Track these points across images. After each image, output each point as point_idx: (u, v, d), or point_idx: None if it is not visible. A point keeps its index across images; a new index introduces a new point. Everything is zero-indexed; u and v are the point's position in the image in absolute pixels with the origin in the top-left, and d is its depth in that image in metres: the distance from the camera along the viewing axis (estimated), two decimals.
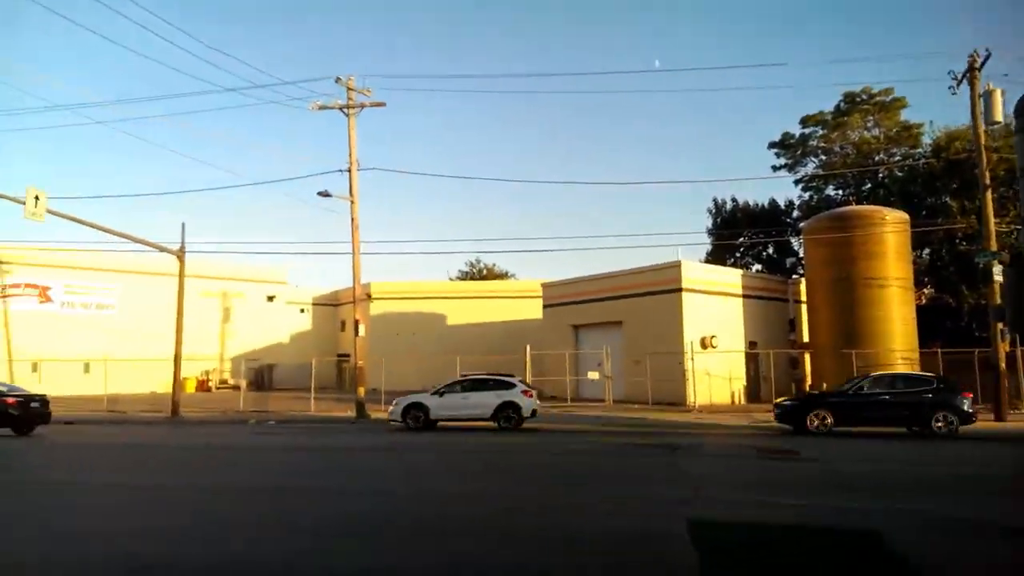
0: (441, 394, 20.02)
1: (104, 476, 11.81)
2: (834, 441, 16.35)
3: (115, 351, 32.08)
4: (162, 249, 27.42)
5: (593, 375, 27.21)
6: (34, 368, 33.90)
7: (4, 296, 37.71)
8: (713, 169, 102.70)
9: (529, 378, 26.40)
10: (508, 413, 19.36)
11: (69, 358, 33.95)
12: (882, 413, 17.58)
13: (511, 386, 19.88)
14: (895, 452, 15.12)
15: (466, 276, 65.10)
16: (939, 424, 16.81)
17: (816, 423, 17.45)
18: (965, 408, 16.98)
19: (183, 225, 26.93)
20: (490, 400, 19.56)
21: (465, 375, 21.88)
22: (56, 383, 31.64)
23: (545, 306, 35.60)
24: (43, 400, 19.76)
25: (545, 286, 36.21)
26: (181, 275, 26.66)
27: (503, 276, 64.24)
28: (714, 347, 28.18)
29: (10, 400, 18.85)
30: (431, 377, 38.10)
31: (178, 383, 26.52)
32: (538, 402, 20.38)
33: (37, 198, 22.53)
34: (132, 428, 22.41)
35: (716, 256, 43.05)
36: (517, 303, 41.97)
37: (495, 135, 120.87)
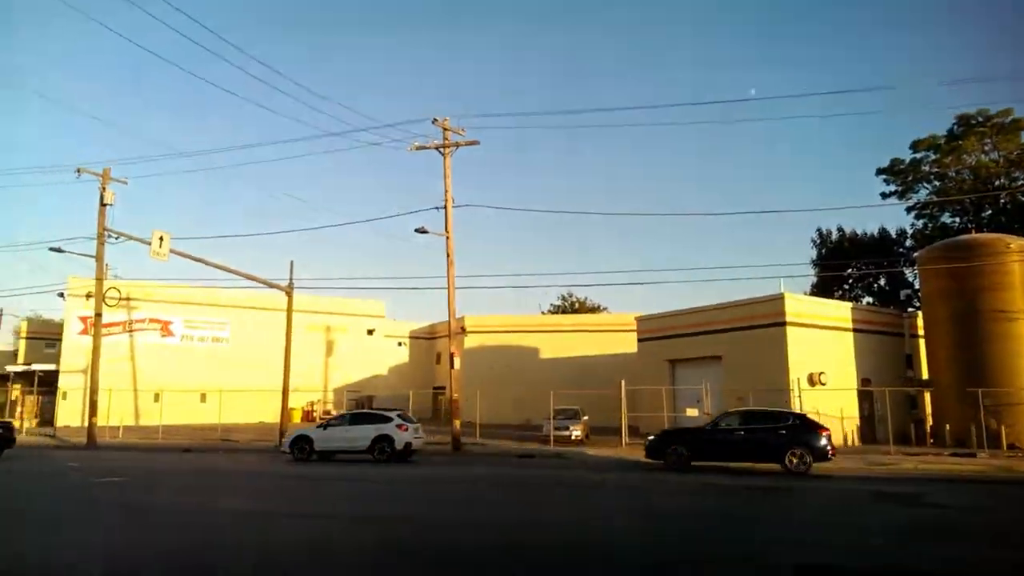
0: (325, 427, 22.09)
1: (230, 502, 12.41)
2: (676, 477, 16.48)
3: (228, 382, 33.97)
4: (272, 285, 29.03)
5: (692, 412, 26.30)
6: (156, 398, 36.31)
7: (131, 330, 40.83)
8: (813, 198, 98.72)
9: (624, 413, 25.91)
10: (382, 446, 20.64)
11: (187, 388, 36.21)
12: (736, 449, 17.94)
13: (387, 420, 21.21)
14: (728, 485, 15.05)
15: (559, 310, 65.07)
16: (793, 460, 16.92)
17: (673, 458, 17.94)
18: (821, 445, 17.08)
19: (291, 263, 28.45)
20: (368, 433, 20.90)
21: (352, 411, 24.34)
22: (176, 412, 33.76)
23: (640, 340, 34.94)
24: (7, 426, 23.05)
25: (640, 320, 35.59)
26: (289, 310, 28.04)
27: (596, 309, 63.79)
28: (823, 384, 26.69)
29: None
30: (525, 410, 38.08)
31: (286, 414, 27.71)
32: (418, 436, 21.63)
33: (161, 239, 24.44)
34: (245, 456, 23.53)
35: (822, 288, 41.02)
36: (611, 337, 41.43)
37: (587, 168, 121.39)
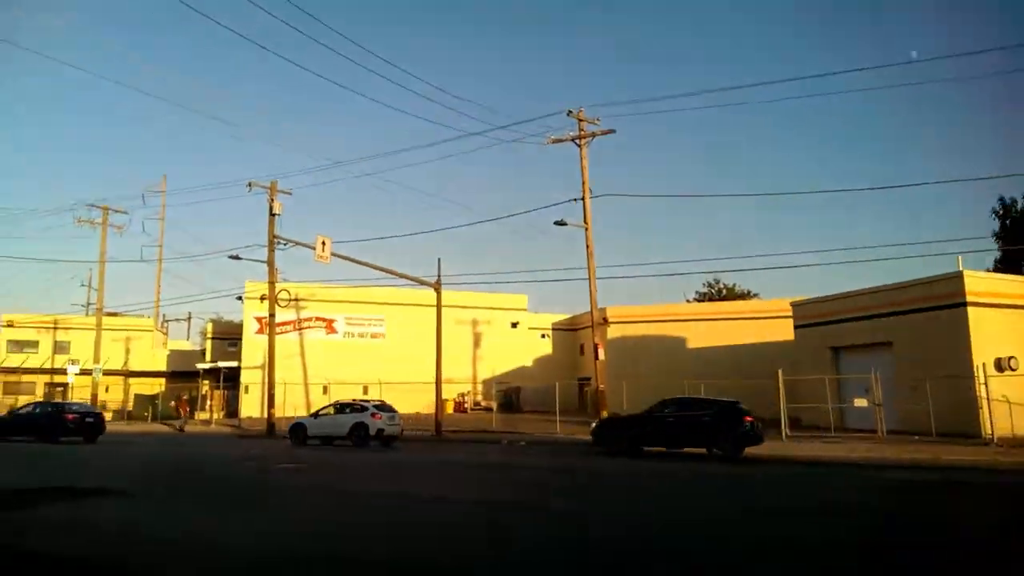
0: (316, 416, 25.48)
1: (406, 488, 13.17)
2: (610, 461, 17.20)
3: (386, 375, 36.03)
4: (422, 282, 30.41)
5: (860, 402, 24.40)
6: (324, 391, 39.25)
7: (300, 329, 44.43)
8: (988, 166, 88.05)
9: (783, 405, 24.51)
10: (359, 432, 23.51)
11: (351, 381, 38.82)
12: (670, 433, 18.84)
13: (364, 410, 24.18)
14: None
15: (705, 297, 62.87)
16: (723, 445, 17.79)
17: (615, 444, 19.05)
18: (746, 431, 17.77)
19: (439, 260, 29.72)
20: (348, 421, 24.04)
21: (338, 402, 26.16)
22: None
23: (797, 327, 32.92)
24: (98, 415, 27.10)
25: (796, 305, 33.53)
26: (439, 305, 29.23)
27: (746, 296, 60.97)
28: (1012, 370, 23.80)
29: (69, 416, 25.54)
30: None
31: (440, 404, 28.96)
32: (393, 424, 24.26)
33: (324, 243, 26.28)
34: (408, 445, 24.86)
35: (1007, 263, 36.55)
36: (763, 324, 39.39)
37: (730, 150, 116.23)
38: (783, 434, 23.67)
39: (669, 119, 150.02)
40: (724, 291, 62.85)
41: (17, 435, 25.56)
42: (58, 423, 25.17)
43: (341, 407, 25.32)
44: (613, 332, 43.50)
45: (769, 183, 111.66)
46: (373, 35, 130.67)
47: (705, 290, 64.18)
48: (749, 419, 18.21)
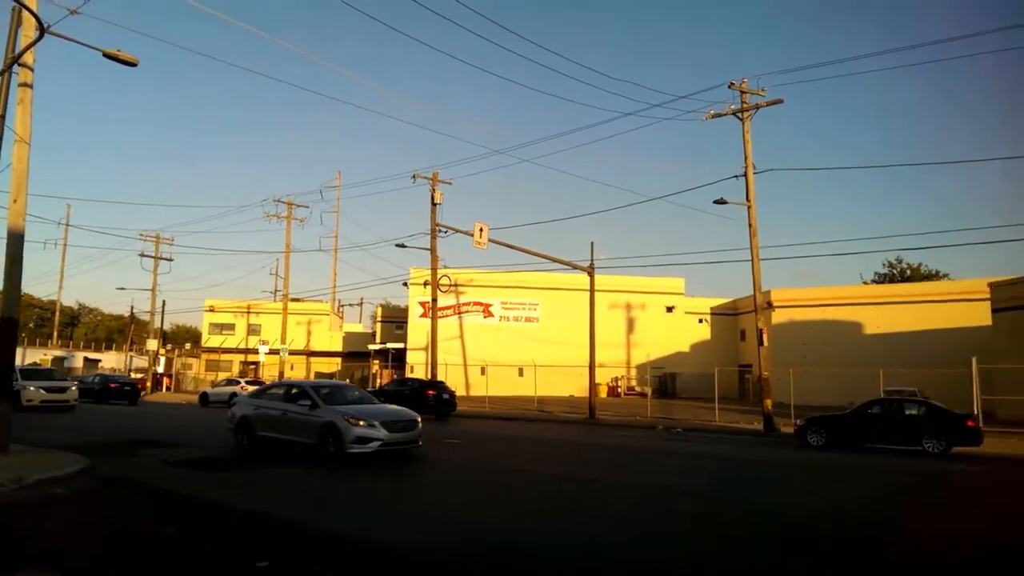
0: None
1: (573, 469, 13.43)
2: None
3: (540, 358, 36.61)
4: (575, 266, 30.49)
5: None
6: (482, 372, 40.63)
7: (459, 313, 46.31)
8: None
9: (977, 396, 21.91)
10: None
11: (507, 363, 39.90)
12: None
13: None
14: None
15: (884, 279, 57.59)
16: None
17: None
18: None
19: (592, 244, 29.57)
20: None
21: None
22: (498, 384, 37.44)
23: (995, 310, 29.25)
24: (133, 383, 35.65)
25: (994, 286, 29.79)
26: (592, 289, 29.18)
27: (933, 276, 55.15)
28: None
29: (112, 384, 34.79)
30: (849, 392, 34.57)
31: (593, 388, 28.96)
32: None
33: (481, 230, 27.08)
34: (562, 427, 25.18)
35: None
36: (955, 307, 35.46)
37: (911, 116, 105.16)
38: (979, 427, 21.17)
39: (842, 85, 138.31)
40: (908, 271, 57.22)
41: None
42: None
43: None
44: (778, 317, 41.16)
45: (957, 149, 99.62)
46: (524, 21, 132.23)
47: (885, 271, 58.80)
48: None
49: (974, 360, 22.14)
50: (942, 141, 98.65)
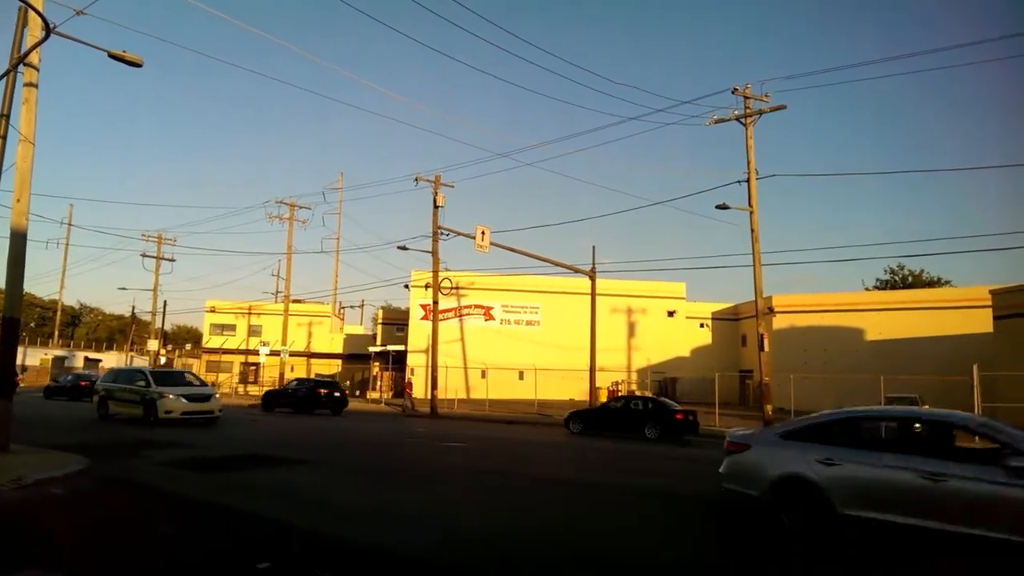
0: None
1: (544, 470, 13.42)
2: None
3: (541, 361, 36.63)
4: (576, 270, 30.49)
5: None
6: (482, 375, 40.64)
7: (460, 315, 46.31)
8: None
9: (978, 403, 21.92)
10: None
11: (507, 367, 39.91)
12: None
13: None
14: None
15: (886, 285, 57.58)
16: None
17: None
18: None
19: (593, 248, 29.61)
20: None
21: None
22: (498, 387, 37.44)
23: (997, 317, 29.22)
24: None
25: (996, 293, 29.76)
26: (593, 293, 29.18)
27: (935, 283, 55.11)
28: None
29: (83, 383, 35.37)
30: (849, 397, 34.55)
31: (594, 392, 28.96)
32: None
33: (483, 233, 27.09)
34: (563, 432, 25.15)
35: None
36: (956, 314, 35.45)
37: (910, 123, 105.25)
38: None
39: (846, 90, 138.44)
40: (910, 278, 57.19)
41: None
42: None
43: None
44: (779, 322, 41.15)
45: (961, 155, 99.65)
46: (526, 24, 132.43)
47: (887, 277, 58.80)
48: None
49: (975, 367, 22.14)
50: (945, 147, 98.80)
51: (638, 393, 43.41)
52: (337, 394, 30.89)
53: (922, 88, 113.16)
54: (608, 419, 23.13)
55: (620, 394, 44.69)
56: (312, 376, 50.89)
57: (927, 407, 25.00)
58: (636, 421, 22.16)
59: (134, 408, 20.15)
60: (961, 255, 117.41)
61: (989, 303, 30.02)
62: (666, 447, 19.21)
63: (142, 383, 20.37)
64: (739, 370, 45.22)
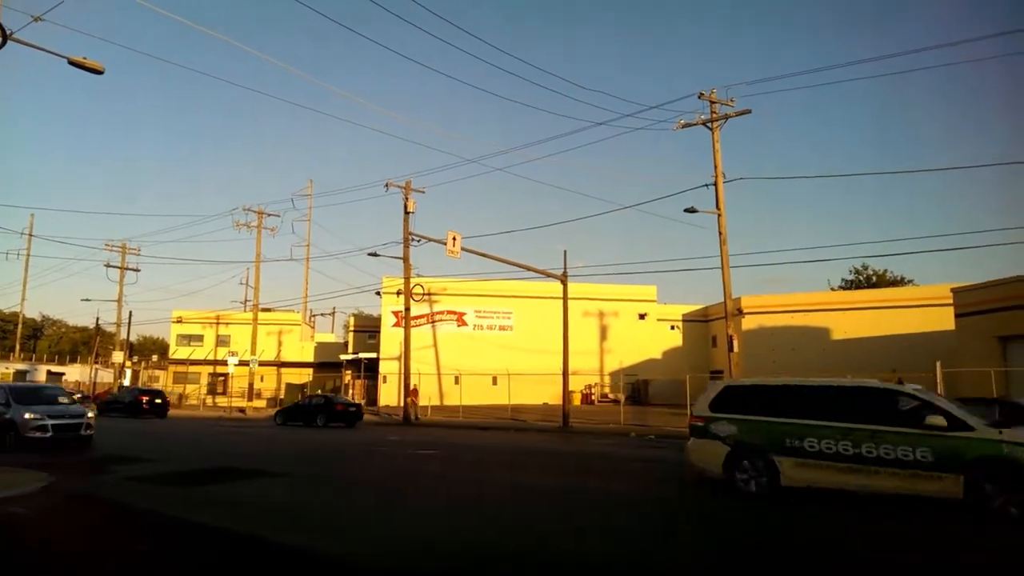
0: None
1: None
2: None
3: (514, 366, 36.61)
4: (548, 274, 30.55)
5: None
6: (456, 381, 40.52)
7: (433, 322, 46.11)
8: None
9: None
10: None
11: (481, 372, 39.82)
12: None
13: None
14: None
15: (851, 285, 58.72)
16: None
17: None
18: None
19: (564, 252, 29.69)
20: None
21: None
22: (472, 393, 37.34)
23: (958, 315, 29.99)
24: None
25: (957, 291, 30.56)
26: (565, 297, 29.25)
27: (898, 282, 56.37)
28: None
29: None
30: None
31: (567, 396, 29.00)
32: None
33: (455, 239, 27.02)
34: (538, 436, 25.16)
35: None
36: (919, 313, 36.30)
37: (883, 126, 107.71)
38: None
39: (811, 96, 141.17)
40: (874, 278, 58.41)
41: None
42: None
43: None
44: (748, 323, 41.70)
45: (924, 157, 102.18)
46: (496, 30, 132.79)
47: (852, 277, 59.96)
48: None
49: (938, 364, 22.64)
50: (910, 148, 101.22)
51: (611, 396, 43.82)
52: (159, 400, 35.90)
53: (887, 89, 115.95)
54: (301, 413, 30.11)
55: (593, 397, 45.17)
56: (284, 387, 50.37)
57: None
58: (313, 412, 29.34)
59: None
60: (923, 255, 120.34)
61: (951, 301, 30.79)
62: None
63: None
64: (710, 371, 45.66)
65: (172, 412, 37.56)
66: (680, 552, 7.12)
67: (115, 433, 22.23)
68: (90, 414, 17.89)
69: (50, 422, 16.47)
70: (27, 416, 16.36)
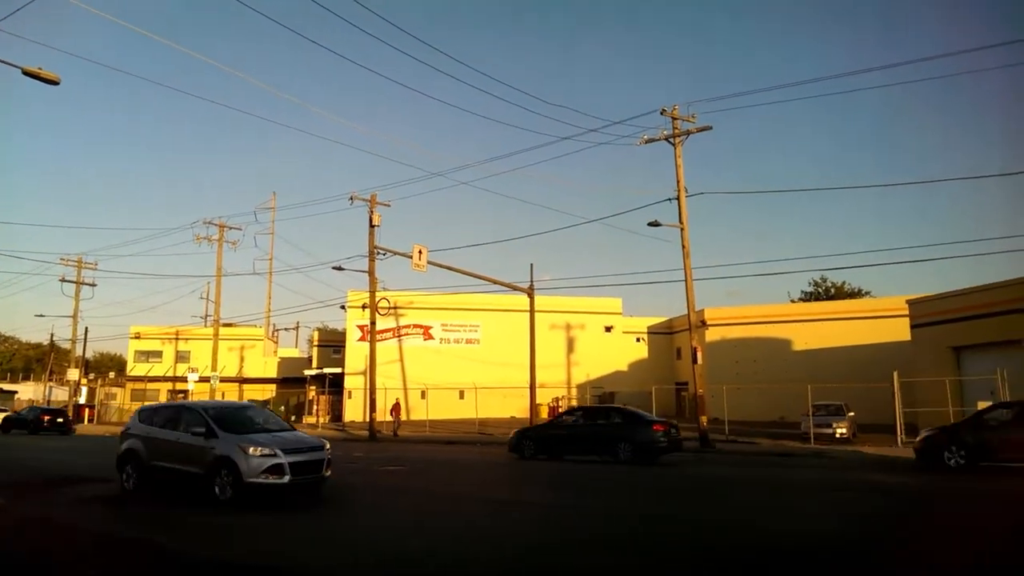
0: None
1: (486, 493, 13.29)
2: None
3: (481, 380, 36.49)
4: (514, 288, 30.62)
5: (984, 404, 22.48)
6: (422, 395, 40.21)
7: (399, 336, 45.74)
8: None
9: (899, 408, 23.01)
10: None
11: (447, 386, 39.59)
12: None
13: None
14: None
15: (811, 297, 59.94)
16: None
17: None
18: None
19: (531, 266, 30.10)
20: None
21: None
22: (439, 407, 37.12)
23: (914, 326, 30.77)
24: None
25: (912, 303, 31.37)
26: (532, 310, 29.33)
27: (856, 294, 57.70)
28: None
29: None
30: (777, 407, 35.70)
31: (535, 409, 29.00)
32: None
33: (420, 252, 26.93)
34: (494, 449, 25.02)
35: None
36: (877, 324, 37.17)
37: (840, 142, 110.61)
38: (899, 440, 22.31)
39: (770, 112, 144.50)
40: (832, 290, 59.71)
41: None
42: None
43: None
44: (712, 335, 42.24)
45: (883, 173, 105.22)
46: (459, 43, 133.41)
47: (811, 289, 61.22)
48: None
49: (895, 374, 23.21)
50: (877, 160, 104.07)
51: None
52: (60, 419, 37.36)
53: (853, 100, 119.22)
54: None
55: (560, 410, 45.05)
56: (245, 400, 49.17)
57: (851, 412, 25.99)
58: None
59: None
60: (882, 267, 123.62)
61: (906, 312, 31.58)
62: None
63: None
64: (675, 383, 46.12)
65: (100, 428, 38.47)
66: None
67: None
68: (327, 445, 12.24)
69: (286, 460, 10.98)
70: (251, 452, 10.85)
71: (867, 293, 57.84)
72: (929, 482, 14.42)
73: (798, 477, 15.90)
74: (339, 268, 34.31)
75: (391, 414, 33.51)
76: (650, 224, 24.80)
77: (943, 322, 28.84)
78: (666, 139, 25.26)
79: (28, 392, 60.20)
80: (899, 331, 32.86)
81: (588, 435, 19.82)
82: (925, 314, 30.14)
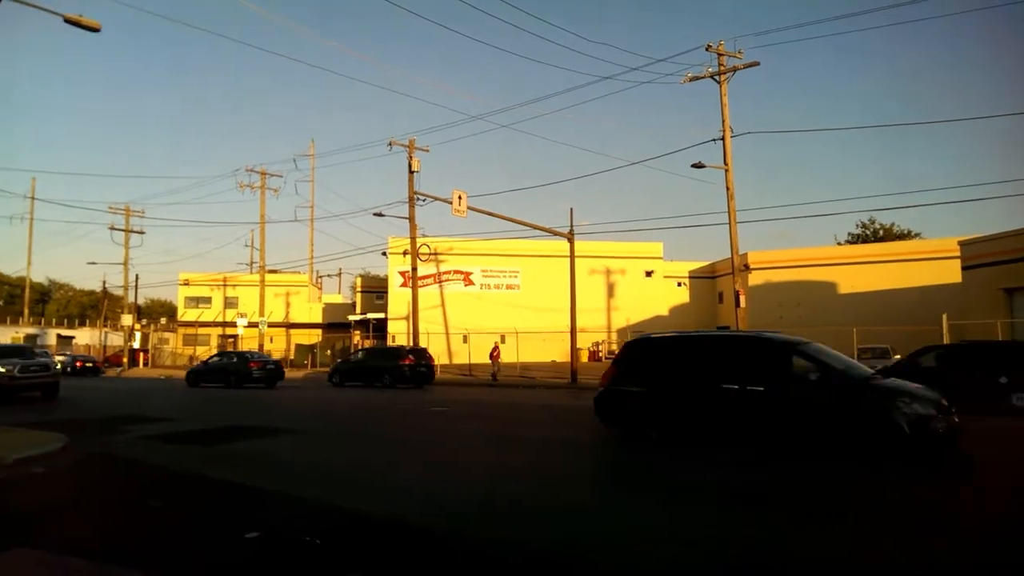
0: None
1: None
2: None
3: (522, 325, 36.80)
4: (555, 233, 30.48)
5: None
6: (464, 339, 40.77)
7: (440, 281, 46.21)
8: None
9: None
10: None
11: (488, 331, 40.01)
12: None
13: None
14: None
15: (858, 239, 58.41)
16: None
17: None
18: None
19: (571, 210, 29.67)
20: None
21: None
22: (480, 351, 37.54)
23: (965, 267, 29.86)
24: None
25: (964, 244, 30.37)
26: (572, 255, 29.23)
27: (905, 236, 56.02)
28: None
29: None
30: None
31: (575, 353, 29.19)
32: None
33: (460, 197, 26.91)
34: (549, 392, 25.42)
35: None
36: (926, 266, 36.18)
37: (888, 77, 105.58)
38: None
39: (820, 47, 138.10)
40: (881, 231, 58.04)
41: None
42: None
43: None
44: (755, 278, 41.67)
45: (931, 110, 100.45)
46: None
47: (859, 231, 59.60)
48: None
49: (944, 317, 22.65)
50: (921, 100, 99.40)
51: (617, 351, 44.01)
52: (89, 364, 42.16)
53: (899, 39, 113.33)
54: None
55: (601, 354, 45.35)
56: (293, 347, 50.81)
57: (897, 356, 25.61)
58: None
59: None
60: (932, 207, 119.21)
61: (958, 254, 30.64)
62: None
63: None
64: (717, 327, 45.81)
65: (155, 371, 38.21)
66: None
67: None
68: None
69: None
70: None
71: (917, 235, 56.13)
72: None
73: None
74: (379, 215, 34.61)
75: (490, 358, 31.97)
76: (694, 165, 24.30)
77: (995, 263, 27.93)
78: (711, 77, 24.47)
79: (84, 337, 62.88)
80: (949, 273, 31.98)
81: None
82: (977, 255, 29.21)
